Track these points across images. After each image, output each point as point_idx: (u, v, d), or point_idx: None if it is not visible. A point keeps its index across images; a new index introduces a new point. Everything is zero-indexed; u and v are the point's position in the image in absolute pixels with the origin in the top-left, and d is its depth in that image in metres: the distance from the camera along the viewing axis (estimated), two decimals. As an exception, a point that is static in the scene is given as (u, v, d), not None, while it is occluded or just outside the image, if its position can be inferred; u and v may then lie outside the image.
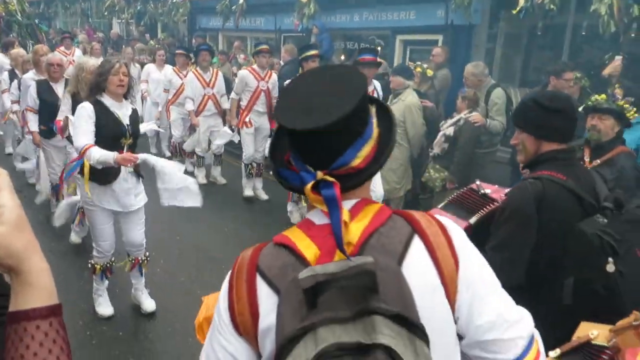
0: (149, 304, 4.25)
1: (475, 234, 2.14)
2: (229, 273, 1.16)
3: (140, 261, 4.20)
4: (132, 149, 3.84)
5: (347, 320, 0.93)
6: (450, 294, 1.08)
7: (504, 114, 5.46)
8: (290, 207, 6.37)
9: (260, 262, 1.11)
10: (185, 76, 7.78)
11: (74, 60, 8.37)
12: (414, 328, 0.93)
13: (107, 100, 3.68)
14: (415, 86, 6.40)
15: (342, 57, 10.26)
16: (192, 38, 13.50)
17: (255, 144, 7.05)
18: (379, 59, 5.82)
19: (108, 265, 4.12)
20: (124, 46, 13.46)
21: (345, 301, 0.95)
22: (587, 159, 3.38)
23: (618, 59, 5.47)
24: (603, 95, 3.39)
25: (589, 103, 3.52)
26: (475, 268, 1.12)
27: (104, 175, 3.73)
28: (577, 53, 7.14)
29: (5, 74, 7.30)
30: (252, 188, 7.24)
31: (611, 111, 3.34)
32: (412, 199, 6.48)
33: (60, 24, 21.16)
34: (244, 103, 7.00)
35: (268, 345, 1.06)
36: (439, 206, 2.58)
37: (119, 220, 4.05)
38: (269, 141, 7.11)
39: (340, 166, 1.08)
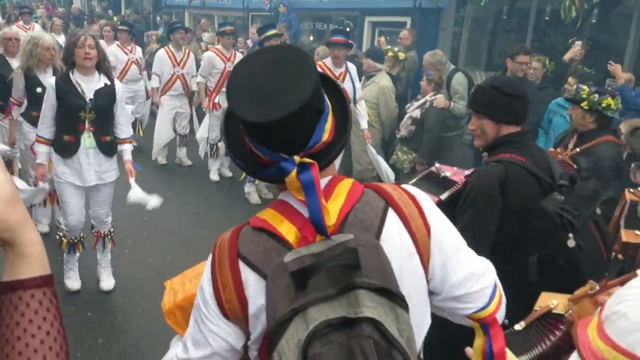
0: (107, 282, 4.27)
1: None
2: (209, 260, 1.17)
3: (103, 235, 4.17)
4: (97, 124, 3.78)
5: (333, 297, 0.98)
6: (424, 259, 1.16)
7: (466, 98, 5.57)
8: (247, 188, 6.39)
9: (241, 248, 1.12)
10: (130, 52, 7.78)
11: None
12: (395, 297, 1.00)
13: (76, 74, 3.70)
14: (387, 69, 6.47)
15: (311, 38, 10.22)
16: (157, 15, 13.18)
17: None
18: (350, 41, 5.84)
19: (76, 240, 4.10)
20: (86, 22, 13.03)
21: (330, 279, 1.00)
22: (570, 146, 3.43)
23: (578, 44, 5.63)
24: (585, 88, 3.35)
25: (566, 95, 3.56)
26: (445, 232, 1.20)
27: (63, 148, 3.78)
28: (541, 37, 7.32)
29: None
30: (218, 170, 7.22)
31: (574, 101, 3.41)
32: (379, 180, 6.59)
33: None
34: (211, 85, 6.94)
35: (259, 327, 1.10)
36: (410, 183, 2.66)
37: (88, 195, 4.04)
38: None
39: (314, 144, 1.09)
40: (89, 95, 3.71)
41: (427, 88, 5.54)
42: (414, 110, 5.50)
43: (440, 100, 5.39)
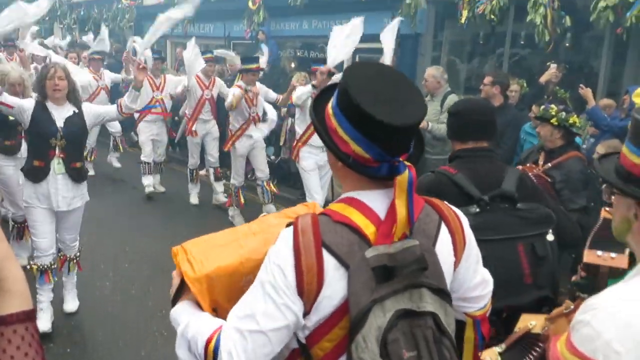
0: (71, 304, 4.25)
1: None
2: (291, 242, 1.23)
3: (68, 259, 4.14)
4: (68, 151, 3.85)
5: (400, 292, 1.19)
6: (456, 265, 1.38)
7: None
8: (231, 211, 6.46)
9: (325, 238, 1.23)
10: (100, 78, 8.05)
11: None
12: (445, 296, 1.25)
13: (49, 103, 3.83)
14: None
15: (293, 65, 10.33)
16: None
17: (207, 149, 7.15)
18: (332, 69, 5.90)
19: (47, 267, 4.00)
20: (66, 52, 13.03)
21: (400, 276, 1.20)
22: (540, 162, 3.64)
23: (554, 66, 5.77)
24: (553, 107, 3.61)
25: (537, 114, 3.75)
26: (473, 245, 1.43)
27: (33, 173, 3.85)
28: (517, 61, 7.48)
29: None
30: (197, 194, 7.29)
31: (543, 119, 3.63)
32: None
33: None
34: (189, 112, 7.03)
35: (320, 311, 1.22)
36: None
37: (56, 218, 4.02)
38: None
39: (408, 152, 1.29)
40: (59, 123, 3.80)
41: None
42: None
43: None
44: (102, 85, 8.05)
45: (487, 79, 5.10)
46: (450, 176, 2.37)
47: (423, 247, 1.24)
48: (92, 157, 8.37)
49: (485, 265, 1.51)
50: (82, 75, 8.22)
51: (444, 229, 1.35)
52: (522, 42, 7.10)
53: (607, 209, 2.91)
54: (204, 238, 1.51)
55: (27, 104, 3.78)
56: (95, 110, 4.08)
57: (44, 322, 3.98)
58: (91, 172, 8.37)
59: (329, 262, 1.22)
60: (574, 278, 2.77)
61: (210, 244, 1.48)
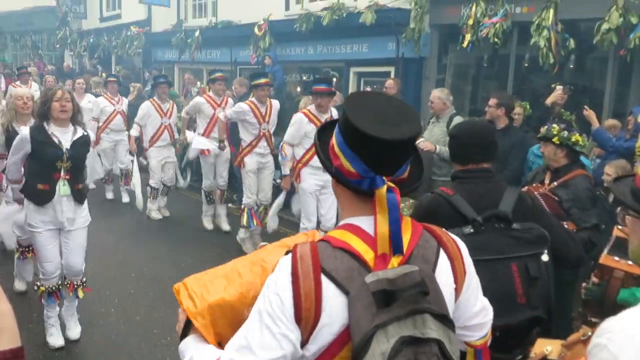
0: (74, 330, 4.20)
1: None
2: (288, 269, 1.23)
3: (76, 286, 4.12)
4: (73, 172, 3.89)
5: (403, 318, 1.17)
6: (457, 294, 1.36)
7: None
8: (242, 234, 6.34)
9: (324, 264, 1.22)
10: (117, 103, 8.10)
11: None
12: (449, 323, 1.23)
13: (51, 126, 3.83)
14: None
15: (298, 89, 10.42)
16: (147, 71, 13.42)
17: (218, 170, 7.10)
18: (333, 89, 5.95)
19: (54, 288, 4.05)
20: (74, 78, 13.28)
21: (401, 302, 1.17)
22: (546, 182, 3.63)
23: (559, 88, 5.77)
24: (555, 126, 3.61)
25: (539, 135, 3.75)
26: (473, 273, 1.42)
27: (37, 196, 3.85)
28: (521, 83, 7.50)
29: None
30: (213, 218, 7.21)
31: (545, 139, 3.63)
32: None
33: (9, 56, 20.64)
34: (201, 131, 7.04)
35: (326, 336, 1.21)
36: None
37: (61, 242, 4.02)
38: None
39: (398, 175, 1.29)
40: (66, 145, 3.82)
41: None
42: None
43: (425, 143, 5.46)
44: (118, 109, 8.11)
45: (492, 101, 5.11)
46: (446, 197, 2.41)
47: (423, 272, 1.23)
48: (126, 181, 8.32)
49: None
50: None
51: (443, 256, 1.34)
52: (526, 65, 7.13)
53: (620, 227, 2.91)
54: (205, 272, 1.52)
55: (23, 141, 3.79)
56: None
57: (56, 339, 4.07)
58: (109, 196, 8.49)
59: (328, 289, 1.21)
60: (584, 285, 2.75)
61: (210, 278, 1.48)
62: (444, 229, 1.43)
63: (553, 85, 5.96)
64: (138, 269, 5.69)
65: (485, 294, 1.50)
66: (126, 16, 14.38)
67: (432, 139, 5.72)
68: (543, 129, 3.70)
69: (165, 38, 12.62)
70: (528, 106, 6.20)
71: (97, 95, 9.73)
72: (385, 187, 1.25)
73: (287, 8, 9.95)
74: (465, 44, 7.02)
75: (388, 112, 1.27)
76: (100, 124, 8.07)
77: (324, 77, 6.50)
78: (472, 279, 1.42)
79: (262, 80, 6.15)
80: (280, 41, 9.74)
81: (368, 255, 1.25)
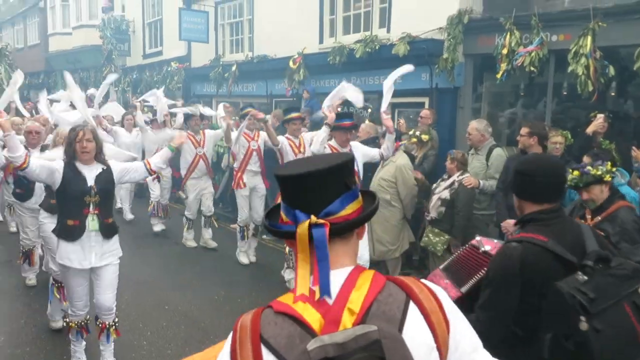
0: None
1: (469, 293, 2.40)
2: (229, 341, 1.17)
3: (108, 326, 4.13)
4: (101, 207, 3.93)
5: None
6: (443, 354, 1.16)
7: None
8: (288, 275, 6.22)
9: (264, 332, 1.12)
10: None
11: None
12: None
13: (78, 163, 3.93)
14: (417, 153, 6.56)
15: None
16: (187, 104, 13.78)
17: (252, 204, 7.13)
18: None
19: (83, 323, 4.12)
20: (123, 114, 13.84)
21: None
22: (588, 217, 3.50)
23: (600, 116, 5.58)
24: (576, 172, 3.47)
25: (569, 183, 3.55)
26: (463, 329, 1.23)
27: (68, 232, 3.88)
28: (560, 111, 7.30)
29: None
30: (247, 253, 7.21)
31: (588, 183, 3.46)
32: (405, 260, 6.43)
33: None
34: (237, 165, 7.14)
35: None
36: (441, 267, 2.69)
37: (92, 280, 4.07)
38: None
39: (329, 214, 1.18)
40: (90, 181, 3.89)
41: (451, 167, 5.50)
42: (442, 192, 5.45)
43: (469, 179, 5.37)
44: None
45: (524, 130, 4.99)
46: (542, 244, 2.21)
47: (383, 332, 1.05)
48: (165, 214, 8.60)
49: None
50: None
51: (413, 310, 1.16)
52: (564, 93, 6.95)
53: None
54: (198, 354, 1.60)
55: (56, 165, 3.87)
56: (121, 166, 4.13)
57: None
58: (159, 228, 8.58)
59: (268, 359, 1.10)
60: None
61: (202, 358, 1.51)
62: (415, 278, 1.26)
63: (592, 114, 5.77)
64: (171, 301, 5.72)
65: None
66: (167, 53, 14.91)
67: (471, 172, 5.61)
68: (571, 175, 3.52)
69: (204, 72, 12.98)
70: (569, 135, 6.02)
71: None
72: (306, 222, 1.17)
73: (320, 41, 10.09)
74: (500, 74, 6.92)
75: (310, 160, 1.30)
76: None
77: (346, 112, 6.55)
78: (463, 337, 1.23)
79: (294, 115, 6.34)
80: (315, 73, 9.85)
81: (313, 317, 1.11)
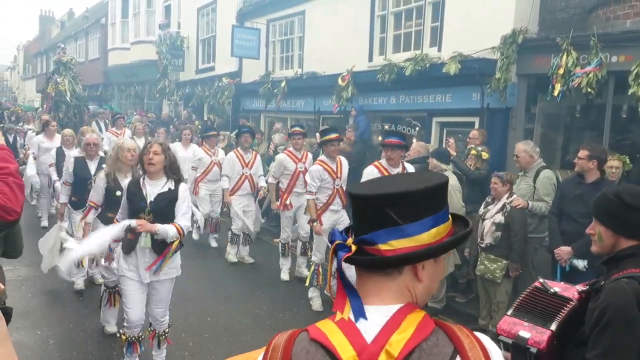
0: None
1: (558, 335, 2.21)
2: (260, 358, 1.14)
3: (158, 334, 4.20)
4: None
5: None
6: None
7: (551, 195, 5.35)
8: (310, 293, 6.18)
9: (295, 358, 1.07)
10: (214, 154, 8.39)
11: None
12: None
13: (146, 179, 3.97)
14: (473, 167, 6.43)
15: (380, 138, 10.39)
16: (236, 119, 14.07)
17: (299, 222, 7.09)
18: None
19: (134, 339, 4.17)
20: (172, 127, 14.26)
21: None
22: None
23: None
24: None
25: None
26: None
27: (126, 245, 4.02)
28: (619, 135, 6.99)
29: (54, 150, 7.81)
30: (288, 270, 7.20)
31: None
32: (451, 282, 6.27)
33: (115, 105, 22.57)
34: (283, 186, 7.14)
35: None
36: (509, 313, 2.47)
37: (149, 292, 4.14)
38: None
39: (365, 242, 1.09)
40: (150, 198, 3.91)
41: (500, 190, 5.33)
42: (494, 216, 5.28)
43: (517, 200, 5.23)
44: (215, 160, 8.40)
45: (583, 153, 4.78)
46: None
47: None
48: (217, 230, 8.68)
49: None
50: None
51: None
52: (624, 116, 6.66)
53: None
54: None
55: (124, 183, 4.11)
56: (184, 197, 4.02)
57: None
58: (214, 244, 8.68)
59: None
60: None
61: None
62: (469, 330, 1.12)
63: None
64: (214, 314, 5.77)
65: None
66: (219, 68, 15.29)
67: (519, 194, 5.44)
68: None
69: (254, 88, 13.22)
70: (628, 160, 5.75)
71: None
72: (337, 242, 1.11)
73: (370, 59, 10.10)
74: (556, 93, 6.70)
75: (387, 179, 1.24)
76: (198, 175, 8.45)
77: (396, 130, 6.44)
78: None
79: (333, 136, 6.04)
80: (363, 91, 9.85)
81: (346, 353, 1.04)
